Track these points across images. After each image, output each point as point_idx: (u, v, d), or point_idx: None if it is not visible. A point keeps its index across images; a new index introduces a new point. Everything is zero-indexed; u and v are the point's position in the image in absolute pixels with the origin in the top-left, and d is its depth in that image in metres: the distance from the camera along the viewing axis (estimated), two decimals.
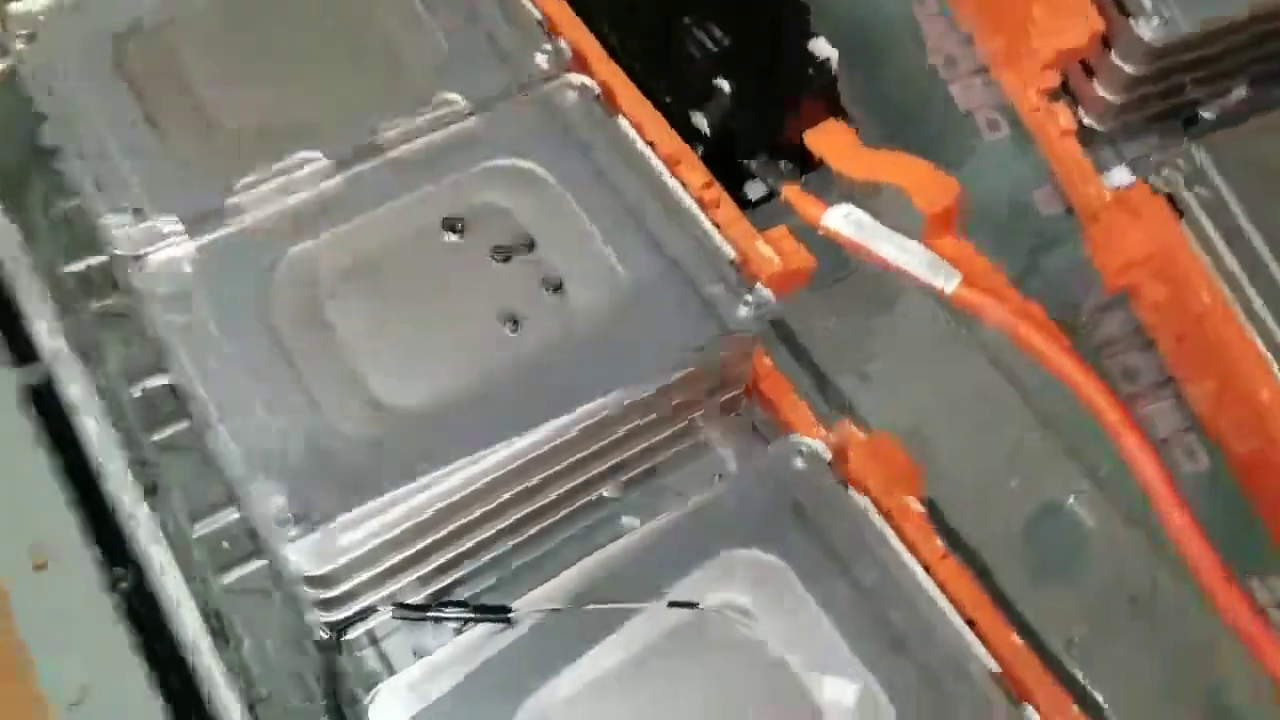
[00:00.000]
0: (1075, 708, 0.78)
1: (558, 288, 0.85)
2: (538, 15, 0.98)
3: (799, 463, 0.85)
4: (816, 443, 0.85)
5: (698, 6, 1.00)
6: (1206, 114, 1.03)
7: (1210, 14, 0.97)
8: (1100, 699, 0.84)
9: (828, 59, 1.00)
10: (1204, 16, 0.96)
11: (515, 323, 0.83)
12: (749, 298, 0.84)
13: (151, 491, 0.83)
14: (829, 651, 0.78)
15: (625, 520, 0.86)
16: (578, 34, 0.98)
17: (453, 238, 0.87)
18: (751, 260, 0.88)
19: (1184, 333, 0.95)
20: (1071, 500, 0.94)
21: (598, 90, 0.94)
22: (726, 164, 0.96)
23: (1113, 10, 0.98)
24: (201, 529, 0.83)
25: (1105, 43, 0.99)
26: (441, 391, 0.80)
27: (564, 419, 0.79)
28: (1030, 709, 0.77)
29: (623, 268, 0.86)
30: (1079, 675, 0.85)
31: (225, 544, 0.84)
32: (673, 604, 0.78)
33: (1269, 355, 0.88)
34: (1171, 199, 0.94)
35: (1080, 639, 0.87)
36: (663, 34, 1.01)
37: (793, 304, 0.90)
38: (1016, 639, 0.80)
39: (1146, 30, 0.95)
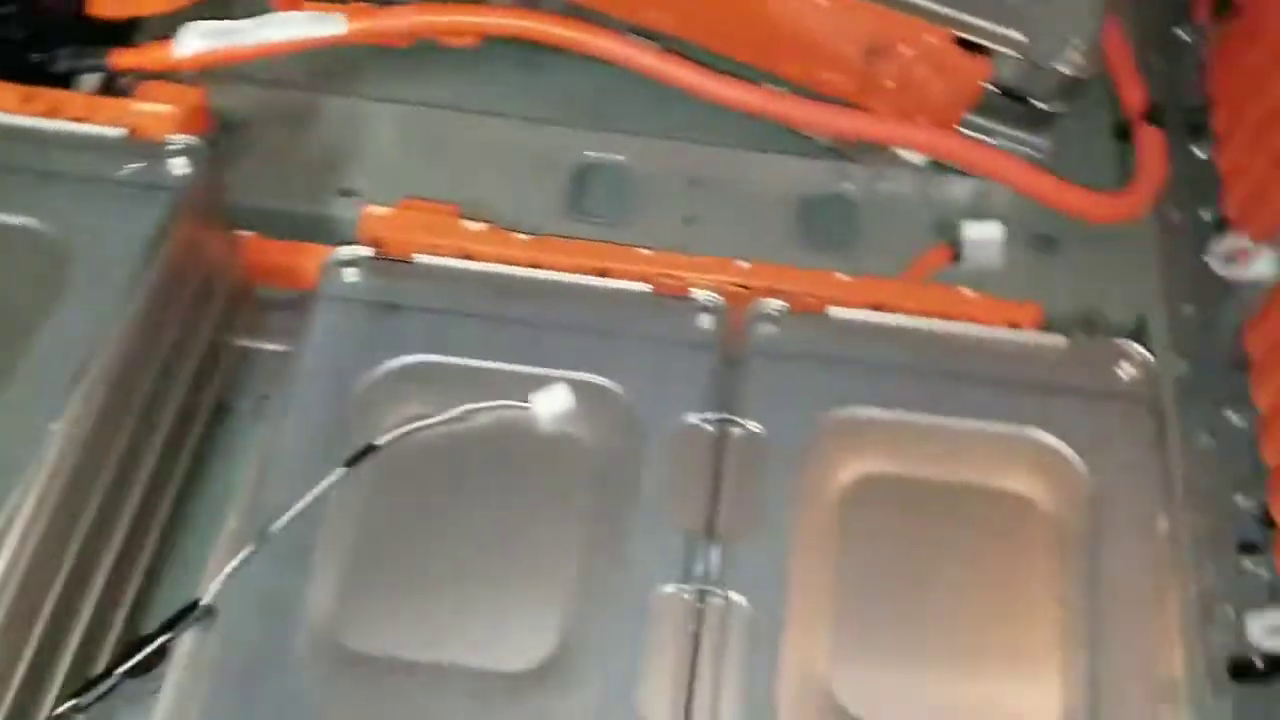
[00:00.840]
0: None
1: None
2: None
3: (354, 275, 0.75)
4: (354, 249, 0.76)
5: None
6: None
7: None
8: None
9: None
10: None
11: None
12: (170, 149, 0.71)
13: None
14: (532, 386, 0.71)
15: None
16: None
17: None
18: (144, 125, 0.74)
19: None
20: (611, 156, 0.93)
21: None
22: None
23: None
24: None
25: None
26: None
27: (80, 400, 0.62)
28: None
29: (24, 219, 0.68)
30: None
31: None
32: (352, 461, 0.67)
33: None
34: None
35: None
36: None
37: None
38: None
39: None
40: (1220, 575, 0.69)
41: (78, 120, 0.74)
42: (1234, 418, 0.76)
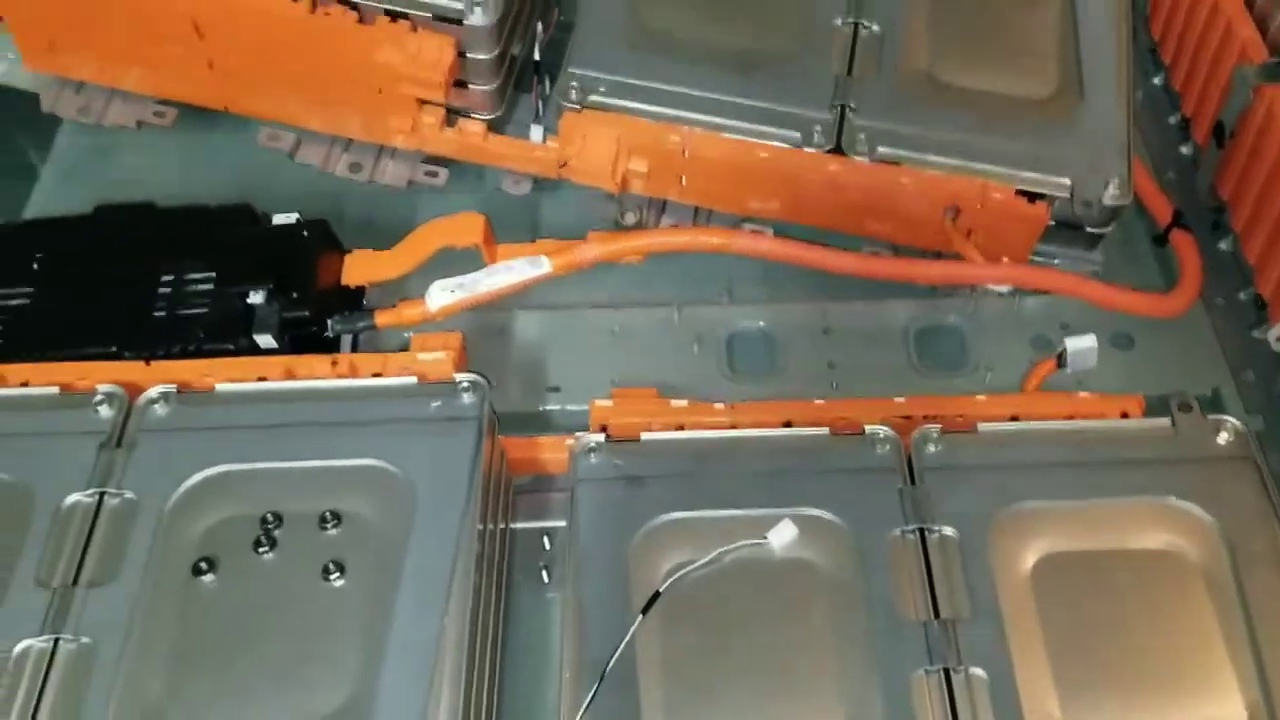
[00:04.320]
0: None
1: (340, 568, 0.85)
2: None
3: (599, 459, 0.94)
4: (592, 436, 0.95)
5: (167, 265, 1.02)
6: None
7: None
8: None
9: (294, 219, 1.06)
10: None
11: (339, 570, 0.84)
12: (461, 387, 0.91)
13: None
14: (759, 524, 0.90)
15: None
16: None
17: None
18: (428, 371, 0.94)
19: None
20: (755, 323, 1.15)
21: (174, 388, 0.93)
22: (315, 345, 1.01)
23: None
24: None
25: None
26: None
27: (457, 596, 0.82)
28: None
29: (371, 460, 0.88)
30: None
31: None
32: (646, 608, 0.86)
33: None
34: None
35: None
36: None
37: None
38: None
39: None
40: None
41: (376, 376, 0.94)
42: None
